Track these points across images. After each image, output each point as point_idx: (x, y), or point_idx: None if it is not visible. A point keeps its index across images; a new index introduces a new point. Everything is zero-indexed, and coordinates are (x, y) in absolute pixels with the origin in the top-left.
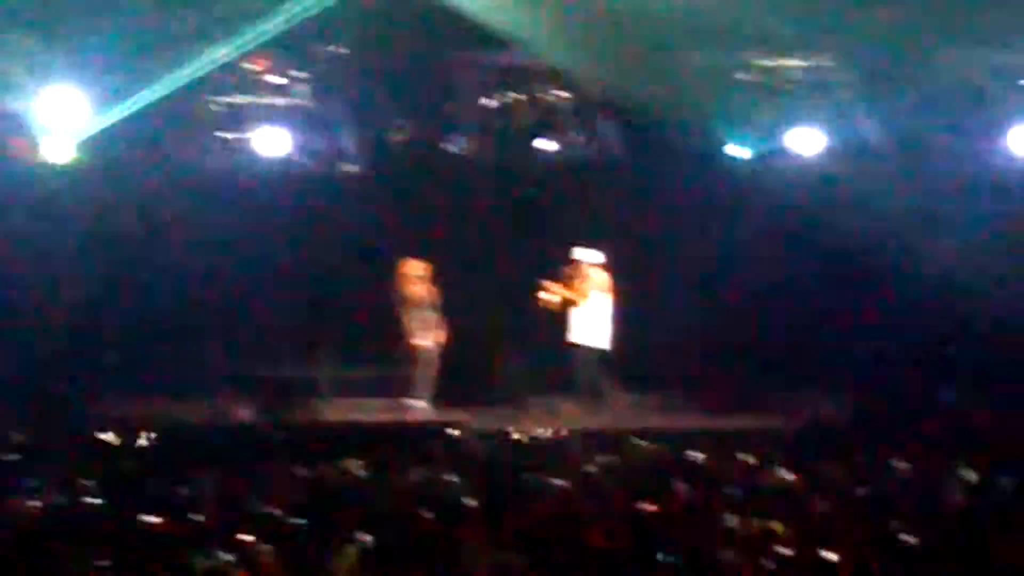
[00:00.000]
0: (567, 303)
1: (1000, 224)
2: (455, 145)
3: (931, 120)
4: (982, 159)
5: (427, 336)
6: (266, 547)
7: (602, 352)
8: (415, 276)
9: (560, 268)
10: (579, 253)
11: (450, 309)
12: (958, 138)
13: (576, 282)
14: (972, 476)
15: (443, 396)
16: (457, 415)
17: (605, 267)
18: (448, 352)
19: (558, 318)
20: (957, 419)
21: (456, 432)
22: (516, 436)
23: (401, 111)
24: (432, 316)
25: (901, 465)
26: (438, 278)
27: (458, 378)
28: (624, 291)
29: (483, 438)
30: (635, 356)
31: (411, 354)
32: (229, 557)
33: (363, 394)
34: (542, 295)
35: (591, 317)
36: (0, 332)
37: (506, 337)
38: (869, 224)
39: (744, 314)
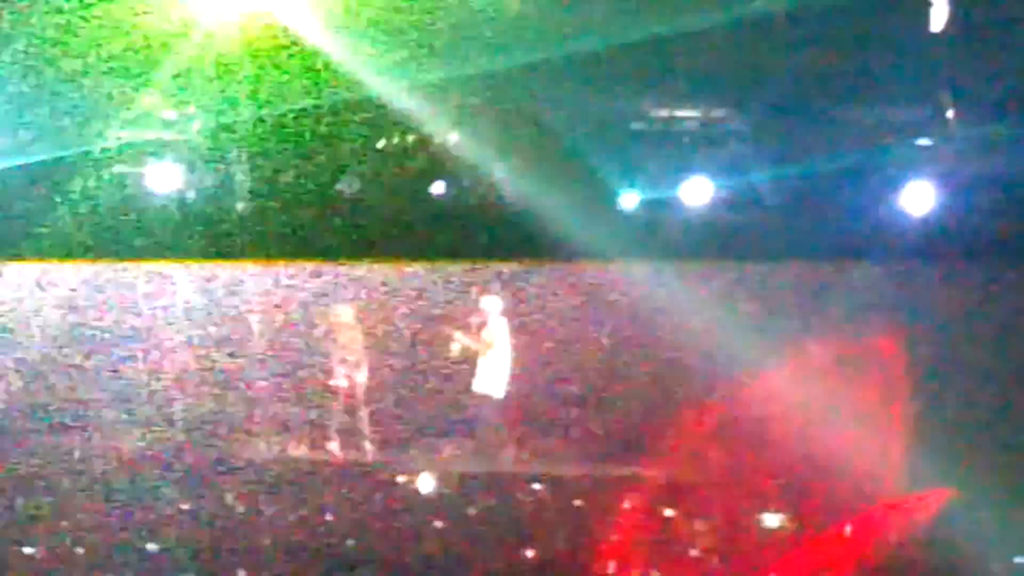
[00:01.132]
0: (471, 350)
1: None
2: (348, 187)
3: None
4: (875, 215)
5: (347, 377)
6: None
7: (498, 398)
8: (343, 318)
9: (464, 314)
10: (484, 301)
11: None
12: (852, 192)
13: (480, 329)
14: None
15: (353, 436)
16: (350, 455)
17: (504, 314)
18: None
19: (461, 364)
20: None
21: (343, 472)
22: (398, 479)
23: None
24: (353, 358)
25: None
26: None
27: (368, 419)
28: (522, 339)
29: (365, 478)
30: (534, 403)
31: (329, 394)
32: None
33: (272, 432)
34: (450, 343)
35: (492, 363)
36: None
37: (408, 380)
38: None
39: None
